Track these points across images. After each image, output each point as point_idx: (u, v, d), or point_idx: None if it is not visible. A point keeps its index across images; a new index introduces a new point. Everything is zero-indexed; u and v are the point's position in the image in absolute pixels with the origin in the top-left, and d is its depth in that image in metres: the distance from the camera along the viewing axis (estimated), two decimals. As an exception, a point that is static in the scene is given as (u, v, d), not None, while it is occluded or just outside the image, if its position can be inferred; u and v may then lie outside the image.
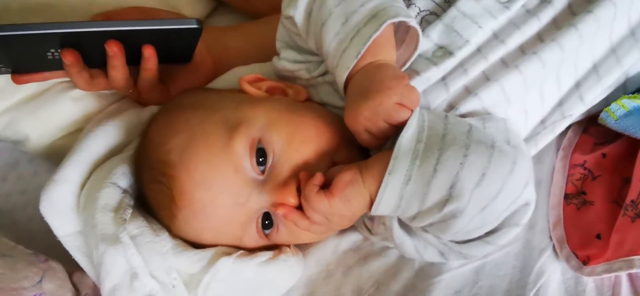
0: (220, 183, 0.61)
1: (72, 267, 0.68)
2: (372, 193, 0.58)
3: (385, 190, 0.57)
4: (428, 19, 0.69)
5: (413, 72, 0.65)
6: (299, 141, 0.62)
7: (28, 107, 0.77)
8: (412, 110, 0.59)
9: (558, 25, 0.67)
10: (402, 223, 0.62)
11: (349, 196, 0.58)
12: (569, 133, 0.75)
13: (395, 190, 0.56)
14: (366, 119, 0.59)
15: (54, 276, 0.64)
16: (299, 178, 0.61)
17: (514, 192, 0.57)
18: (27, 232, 0.78)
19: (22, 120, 0.77)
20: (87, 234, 0.65)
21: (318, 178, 0.59)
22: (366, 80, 0.59)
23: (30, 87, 0.77)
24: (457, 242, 0.60)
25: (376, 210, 0.58)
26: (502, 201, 0.56)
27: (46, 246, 0.69)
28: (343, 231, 0.72)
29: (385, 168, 0.56)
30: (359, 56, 0.59)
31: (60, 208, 0.66)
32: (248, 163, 0.61)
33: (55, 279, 0.64)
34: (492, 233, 0.59)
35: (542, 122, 0.69)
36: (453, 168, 0.55)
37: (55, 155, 0.77)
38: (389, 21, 0.59)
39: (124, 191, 0.67)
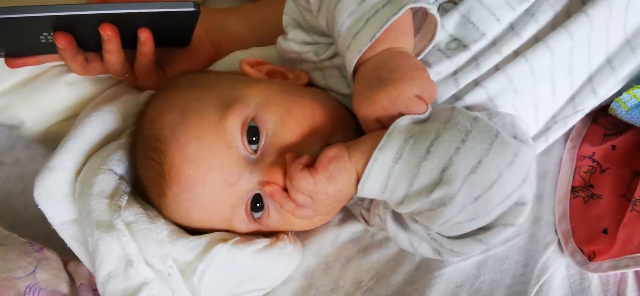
0: (211, 159, 0.59)
1: (67, 256, 0.67)
2: (359, 170, 0.56)
3: (373, 166, 0.54)
4: (446, 7, 0.66)
5: (425, 65, 0.62)
6: (293, 121, 0.61)
7: (22, 92, 0.76)
8: (428, 105, 0.57)
9: (570, 12, 0.65)
10: (396, 216, 0.60)
11: (333, 172, 0.55)
12: (578, 123, 0.73)
13: (384, 168, 0.54)
14: (382, 108, 0.56)
15: (48, 265, 0.63)
16: (287, 158, 0.59)
17: (511, 186, 0.54)
18: (24, 218, 0.77)
19: (16, 105, 0.76)
20: (82, 221, 0.64)
21: (304, 159, 0.57)
22: (387, 67, 0.57)
23: (25, 71, 0.75)
24: (448, 238, 0.58)
25: (362, 189, 0.56)
26: (497, 193, 0.53)
27: (44, 233, 0.68)
28: (343, 222, 0.71)
29: (375, 145, 0.54)
30: (374, 39, 0.57)
31: (54, 196, 0.65)
32: (240, 141, 0.60)
33: (49, 269, 0.63)
34: (485, 231, 0.56)
35: (554, 116, 0.67)
36: (448, 151, 0.52)
37: (51, 141, 0.76)
38: (410, 5, 0.56)
39: (120, 177, 0.66)
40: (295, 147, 0.60)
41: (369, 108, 0.57)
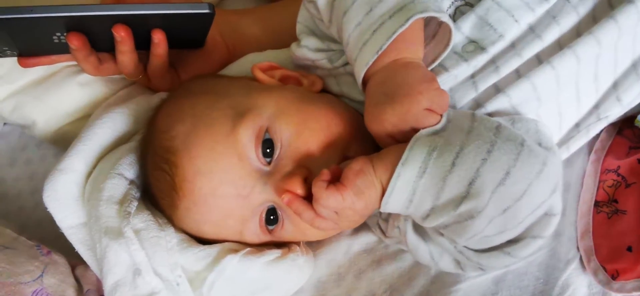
0: (223, 172, 0.58)
1: (75, 260, 0.66)
2: (384, 183, 0.54)
3: (397, 181, 0.53)
4: (462, 10, 0.64)
5: (440, 68, 0.61)
6: (309, 132, 0.59)
7: (35, 91, 0.75)
8: (441, 115, 0.55)
9: (596, 18, 0.62)
10: (417, 228, 0.59)
11: (361, 186, 0.54)
12: (602, 134, 0.70)
13: (408, 182, 0.53)
14: (391, 125, 0.55)
15: (56, 270, 0.62)
16: (306, 171, 0.57)
17: (540, 196, 0.53)
18: (34, 219, 0.76)
19: (28, 105, 0.75)
20: (91, 226, 0.63)
21: (325, 175, 0.55)
22: (392, 82, 0.55)
23: (37, 71, 0.75)
24: (475, 251, 0.56)
25: (386, 205, 0.54)
26: (526, 204, 0.52)
27: (53, 235, 0.67)
28: (356, 232, 0.69)
29: (399, 159, 0.53)
30: (381, 52, 0.55)
31: (64, 198, 0.65)
32: (253, 153, 0.58)
33: (57, 273, 0.62)
34: (513, 244, 0.55)
35: (577, 125, 0.64)
36: (474, 163, 0.51)
37: (62, 142, 0.76)
38: (417, 16, 0.55)
39: (131, 182, 0.65)
40: (312, 159, 0.58)
41: (379, 126, 0.56)
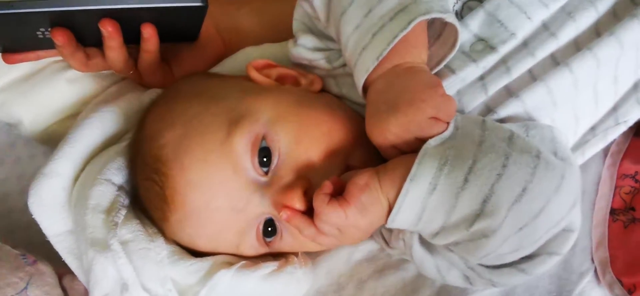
0: (217, 184, 0.55)
1: (63, 268, 0.63)
2: (390, 199, 0.51)
3: (405, 199, 0.50)
4: (470, 5, 0.60)
5: (447, 70, 0.57)
6: (309, 140, 0.55)
7: (21, 88, 0.72)
8: (447, 123, 0.51)
9: (618, 15, 0.58)
10: (424, 240, 0.55)
11: (366, 203, 0.51)
12: (619, 137, 0.66)
13: (417, 200, 0.49)
14: (394, 136, 0.51)
15: (41, 281, 0.59)
16: (306, 183, 0.54)
17: (559, 213, 0.49)
18: (24, 222, 0.73)
19: (14, 103, 0.72)
20: (78, 235, 0.60)
21: (327, 187, 0.52)
22: (393, 89, 0.52)
23: (24, 67, 0.71)
24: (487, 267, 0.53)
25: (393, 222, 0.51)
26: (544, 222, 0.49)
27: (42, 239, 0.64)
28: (358, 239, 0.66)
29: (407, 173, 0.49)
30: (381, 57, 0.52)
31: (50, 205, 0.62)
32: (249, 163, 0.55)
33: (42, 285, 0.59)
34: (528, 260, 0.52)
35: (593, 128, 0.61)
36: (488, 179, 0.48)
37: (51, 141, 0.72)
38: (420, 19, 0.51)
39: (119, 188, 0.62)
40: (312, 169, 0.55)
41: (381, 137, 0.52)
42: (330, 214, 0.51)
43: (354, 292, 0.64)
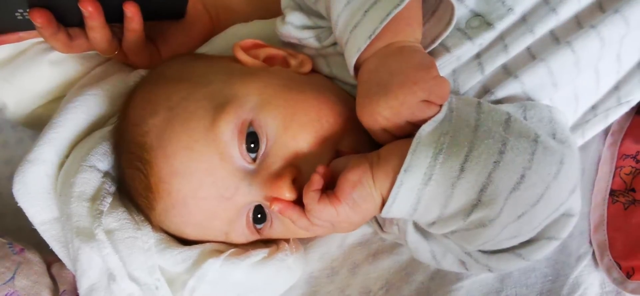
0: (203, 173, 0.53)
1: (51, 256, 0.62)
2: (384, 192, 0.49)
3: (399, 191, 0.48)
4: None
5: (441, 48, 0.55)
6: (297, 125, 0.53)
7: (3, 72, 0.69)
8: (440, 106, 0.49)
9: None
10: (418, 225, 0.54)
11: (357, 200, 0.49)
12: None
13: (412, 191, 0.48)
14: (385, 119, 0.49)
15: (29, 270, 0.58)
16: (295, 170, 0.52)
17: (558, 198, 0.48)
18: (12, 207, 0.71)
19: (-3, 86, 0.69)
20: (63, 224, 0.59)
21: (316, 182, 0.50)
22: (385, 70, 0.50)
23: (5, 49, 0.69)
24: (484, 252, 0.52)
25: (388, 213, 0.50)
26: (543, 209, 0.47)
27: (31, 225, 0.62)
28: (351, 222, 0.65)
29: (401, 164, 0.47)
30: (374, 36, 0.49)
31: (35, 192, 0.60)
32: (236, 150, 0.53)
33: (30, 274, 0.58)
34: (526, 245, 0.51)
35: (593, 108, 0.59)
36: (485, 167, 0.46)
37: (37, 125, 0.70)
38: None
39: (105, 174, 0.60)
40: (301, 156, 0.53)
41: (372, 120, 0.50)
42: (322, 212, 0.49)
43: (348, 276, 0.63)
